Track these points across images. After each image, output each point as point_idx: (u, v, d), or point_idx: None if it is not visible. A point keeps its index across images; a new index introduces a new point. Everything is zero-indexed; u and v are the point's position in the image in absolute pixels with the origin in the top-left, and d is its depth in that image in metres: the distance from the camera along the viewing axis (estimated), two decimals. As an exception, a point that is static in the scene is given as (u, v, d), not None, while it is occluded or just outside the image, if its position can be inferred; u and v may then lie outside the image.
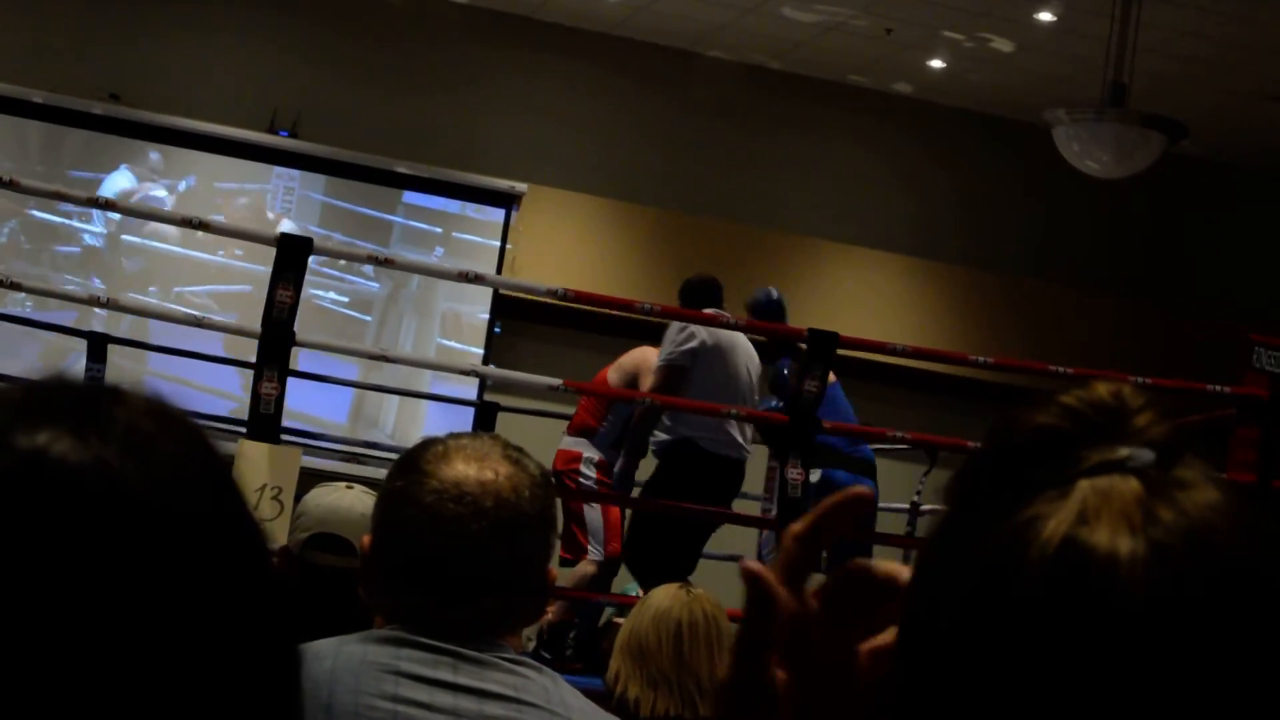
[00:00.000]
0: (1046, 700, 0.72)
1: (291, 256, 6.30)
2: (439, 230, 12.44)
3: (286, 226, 11.66)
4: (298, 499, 6.04)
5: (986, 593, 0.74)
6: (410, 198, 12.43)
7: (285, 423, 9.59)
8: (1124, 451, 0.77)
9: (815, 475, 8.28)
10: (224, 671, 0.80)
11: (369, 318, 12.34)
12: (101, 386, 0.84)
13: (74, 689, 0.76)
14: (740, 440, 7.74)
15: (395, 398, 11.72)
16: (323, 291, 12.18)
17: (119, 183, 11.88)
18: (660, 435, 7.77)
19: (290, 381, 9.63)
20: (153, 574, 0.79)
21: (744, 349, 7.87)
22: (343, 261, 11.94)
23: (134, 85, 12.00)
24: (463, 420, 10.60)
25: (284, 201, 12.17)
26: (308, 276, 12.10)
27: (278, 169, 12.15)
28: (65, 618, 0.76)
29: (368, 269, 12.17)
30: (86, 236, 12.00)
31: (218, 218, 10.72)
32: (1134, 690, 0.71)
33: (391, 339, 12.26)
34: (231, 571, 0.82)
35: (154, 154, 12.07)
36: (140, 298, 11.60)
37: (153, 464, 0.81)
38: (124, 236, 11.98)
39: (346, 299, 12.31)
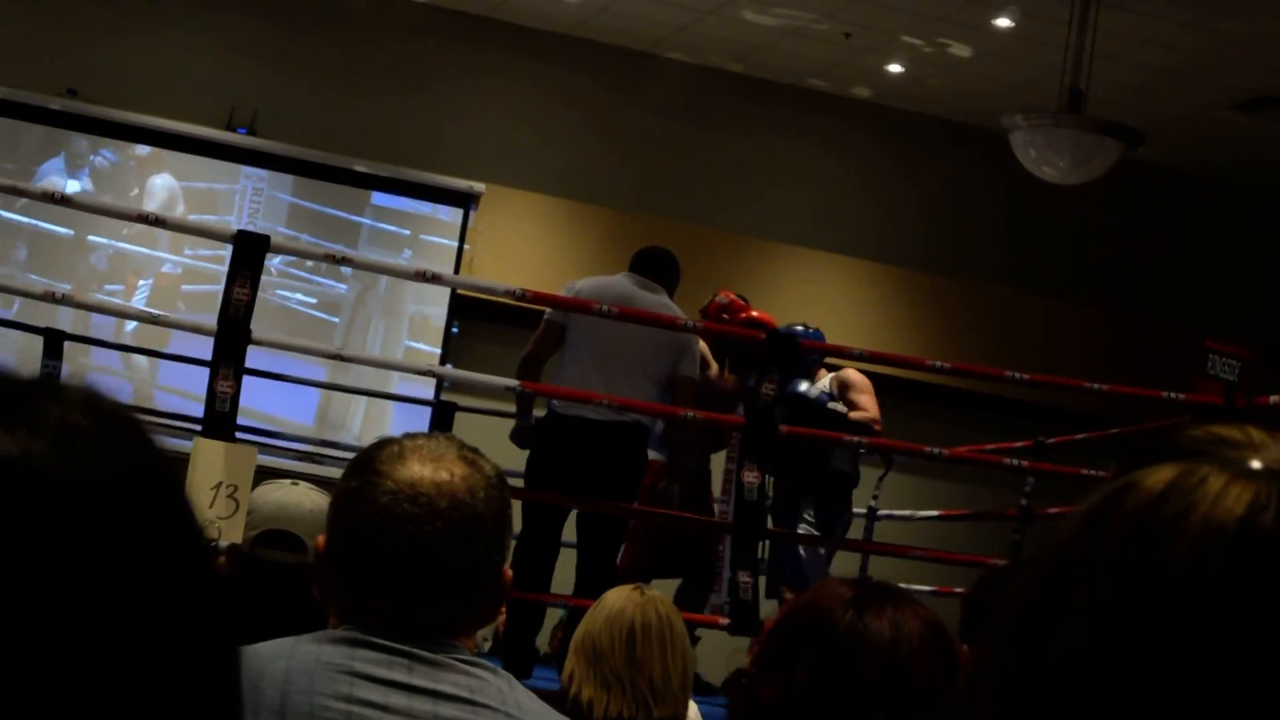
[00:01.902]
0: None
1: (248, 254, 6.27)
2: (407, 232, 12.42)
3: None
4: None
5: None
6: (379, 199, 12.41)
7: (251, 423, 9.59)
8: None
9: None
10: (157, 666, 0.79)
11: (337, 319, 12.32)
12: (36, 380, 0.83)
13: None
14: (613, 402, 7.21)
15: (363, 400, 11.70)
16: (289, 293, 12.18)
17: (52, 176, 11.83)
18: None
19: (257, 384, 9.67)
20: (81, 567, 0.78)
21: (648, 306, 7.48)
22: (309, 263, 11.93)
23: (92, 81, 11.95)
24: (425, 421, 10.61)
25: (252, 202, 12.14)
26: (276, 278, 12.35)
27: (246, 169, 12.12)
28: None
29: (336, 271, 12.16)
30: (46, 233, 11.94)
31: (199, 216, 10.71)
32: None
33: (359, 341, 12.24)
34: (165, 565, 0.81)
35: (108, 152, 12.01)
36: (103, 297, 11.56)
37: (83, 458, 0.80)
38: (89, 237, 11.93)
39: (314, 300, 12.30)
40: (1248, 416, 7.29)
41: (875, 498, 9.19)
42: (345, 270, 12.14)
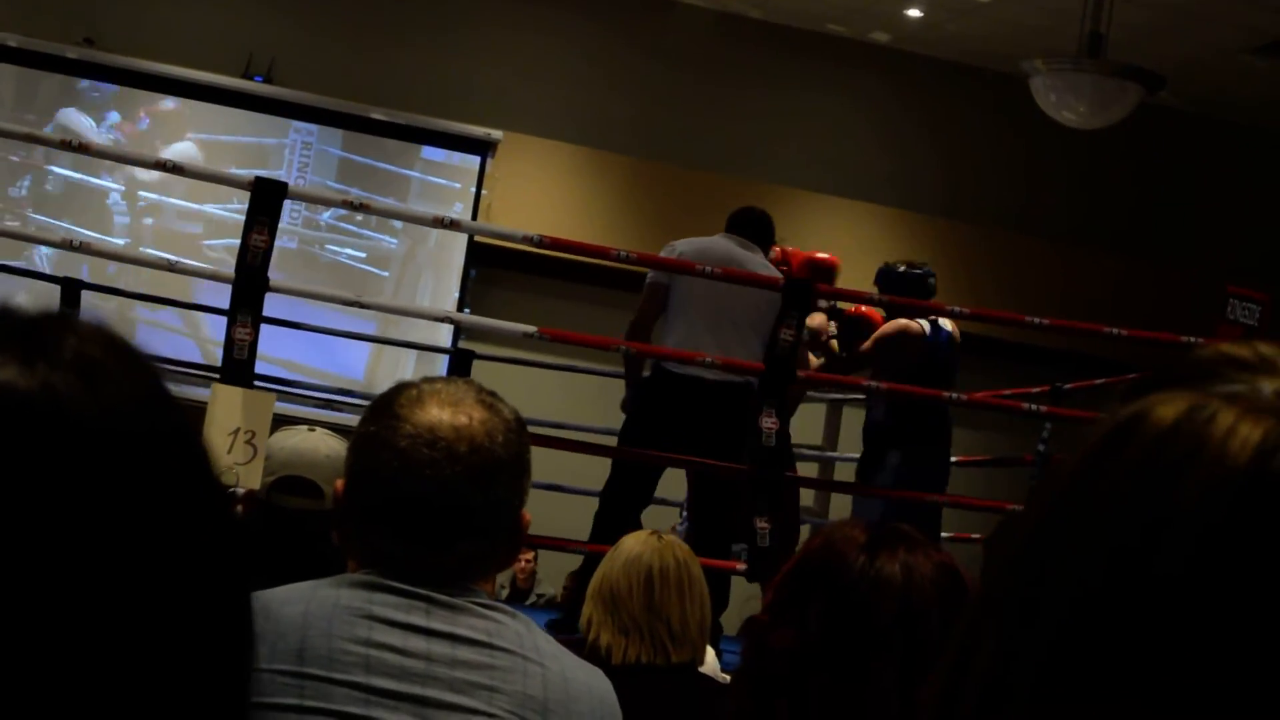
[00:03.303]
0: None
1: (265, 200, 6.27)
2: (458, 185, 12.42)
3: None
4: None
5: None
6: (429, 153, 12.42)
7: (299, 378, 9.59)
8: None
9: (895, 458, 8.31)
10: (173, 600, 0.79)
11: (386, 274, 12.36)
12: (50, 314, 0.83)
13: (16, 614, 0.76)
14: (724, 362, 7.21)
15: (412, 355, 11.72)
16: (339, 248, 12.25)
17: (68, 121, 11.84)
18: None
19: (309, 339, 9.70)
20: (102, 498, 0.78)
21: (751, 266, 7.45)
22: (359, 217, 12.00)
23: (108, 30, 11.94)
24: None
25: (301, 156, 12.17)
26: (326, 233, 12.36)
27: (295, 124, 12.15)
28: (9, 541, 0.76)
29: (387, 225, 12.23)
30: (67, 181, 11.95)
31: (237, 170, 10.70)
32: None
33: (409, 295, 12.28)
34: (182, 497, 0.81)
35: (114, 114, 12.03)
36: (114, 240, 11.58)
37: (104, 391, 0.80)
38: (113, 186, 11.94)
39: (364, 255, 12.35)
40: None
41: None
42: (395, 224, 12.20)
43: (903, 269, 8.36)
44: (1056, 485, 0.79)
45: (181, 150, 11.86)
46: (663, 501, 8.08)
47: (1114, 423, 0.78)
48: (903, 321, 8.31)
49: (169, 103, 12.04)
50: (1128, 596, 0.74)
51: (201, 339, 11.52)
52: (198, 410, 6.06)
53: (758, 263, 7.57)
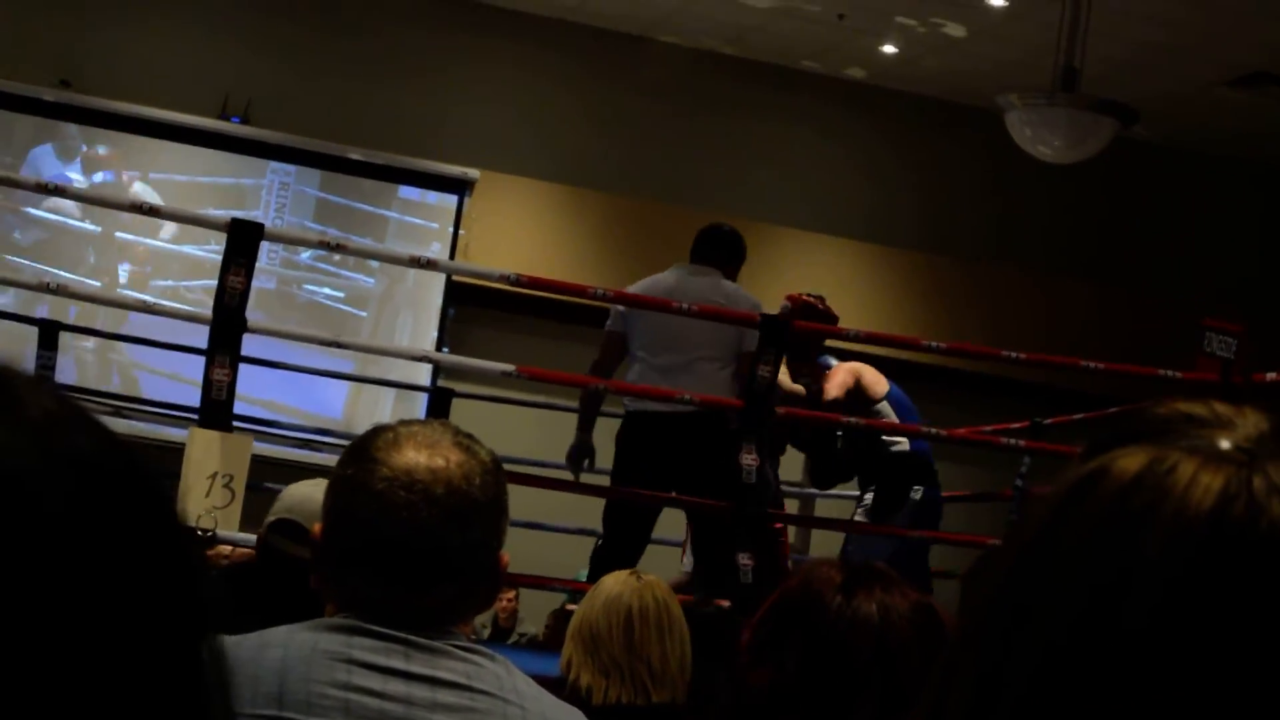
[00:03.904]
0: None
1: (242, 242, 6.26)
2: (435, 225, 12.44)
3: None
4: (253, 487, 6.03)
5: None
6: (406, 193, 12.44)
7: (278, 417, 9.55)
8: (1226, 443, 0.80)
9: (918, 493, 8.29)
10: (130, 654, 0.79)
11: (365, 313, 12.36)
12: (5, 369, 0.83)
13: None
14: (679, 394, 7.14)
15: (391, 394, 11.71)
16: (318, 288, 12.25)
17: (42, 163, 11.84)
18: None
19: (287, 378, 9.69)
20: (64, 558, 0.77)
21: (694, 293, 7.37)
22: (337, 257, 12.02)
23: (85, 71, 11.94)
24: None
25: (279, 197, 12.18)
26: (305, 273, 12.36)
27: (273, 164, 12.17)
28: None
29: (365, 265, 12.27)
30: (49, 224, 11.94)
31: (216, 211, 10.71)
32: None
33: (388, 334, 12.28)
34: (145, 552, 0.81)
35: (102, 147, 12.02)
36: (89, 281, 11.56)
37: (58, 446, 0.79)
38: (91, 227, 11.93)
39: (342, 294, 12.35)
40: (1245, 394, 7.30)
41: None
42: (373, 264, 12.22)
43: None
44: (1024, 537, 0.80)
45: (142, 191, 11.86)
46: (660, 541, 8.06)
47: (1077, 476, 0.79)
48: (857, 365, 8.36)
49: (146, 143, 12.03)
50: (1097, 646, 0.74)
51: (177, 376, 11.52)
52: (172, 451, 6.04)
53: (709, 285, 7.48)
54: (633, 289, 7.52)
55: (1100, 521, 0.76)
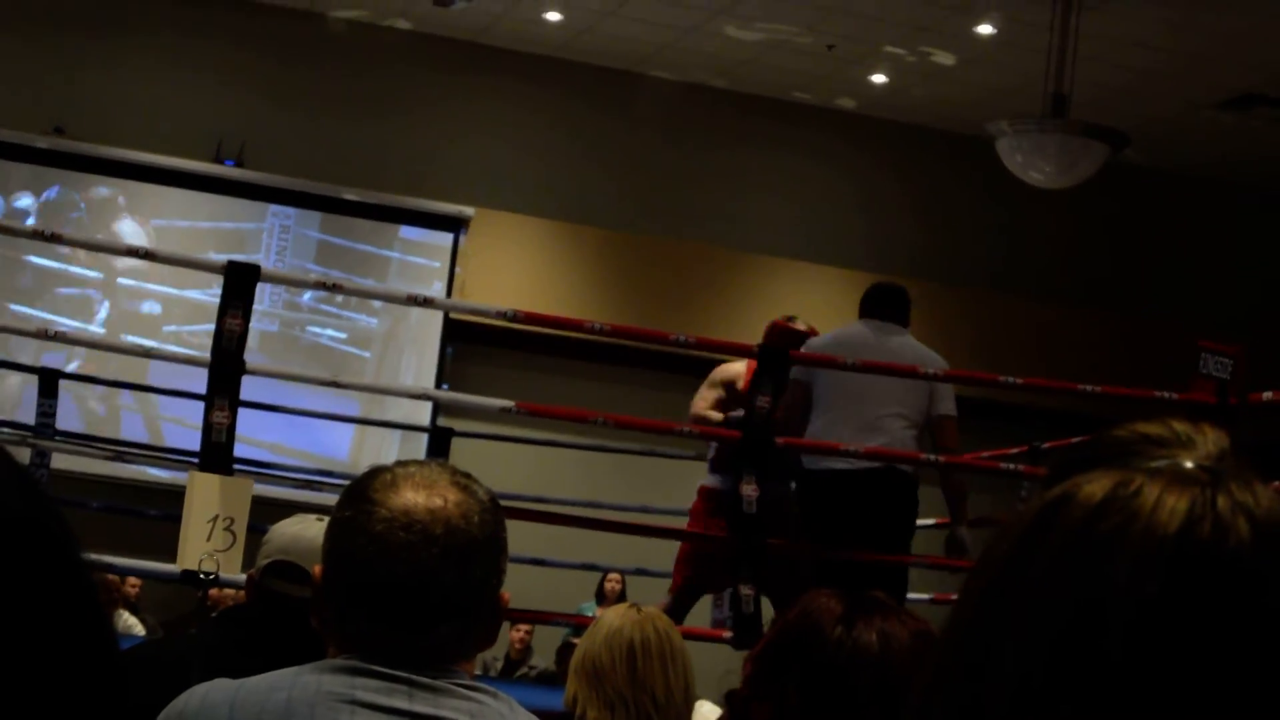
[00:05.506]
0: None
1: (239, 284, 6.27)
2: (437, 264, 12.46)
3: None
4: (256, 529, 6.03)
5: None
6: (407, 233, 12.47)
7: (277, 459, 9.54)
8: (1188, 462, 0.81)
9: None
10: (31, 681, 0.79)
11: (368, 354, 12.38)
12: None
13: None
14: (860, 448, 7.11)
15: (397, 434, 11.71)
16: (321, 329, 12.26)
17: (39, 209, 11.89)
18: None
19: (293, 421, 9.68)
20: None
21: (889, 351, 7.40)
22: (340, 298, 12.04)
23: (79, 118, 11.97)
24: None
25: (280, 240, 12.20)
26: (308, 315, 12.38)
27: (273, 207, 12.19)
28: None
29: (367, 305, 12.30)
30: (40, 269, 11.96)
31: (217, 255, 10.72)
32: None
33: (391, 373, 12.30)
34: (47, 586, 0.81)
35: (102, 189, 12.05)
36: (89, 328, 11.57)
37: None
38: (89, 272, 11.94)
39: (345, 335, 12.36)
40: (1241, 414, 7.30)
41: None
42: (375, 304, 12.24)
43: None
44: (994, 567, 0.81)
45: (131, 233, 11.89)
46: (643, 572, 8.02)
47: (1042, 504, 0.80)
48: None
49: (141, 189, 12.05)
50: (1074, 671, 0.75)
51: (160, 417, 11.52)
52: (171, 492, 6.05)
53: (901, 344, 7.48)
54: (817, 343, 7.45)
55: (1069, 547, 0.77)
